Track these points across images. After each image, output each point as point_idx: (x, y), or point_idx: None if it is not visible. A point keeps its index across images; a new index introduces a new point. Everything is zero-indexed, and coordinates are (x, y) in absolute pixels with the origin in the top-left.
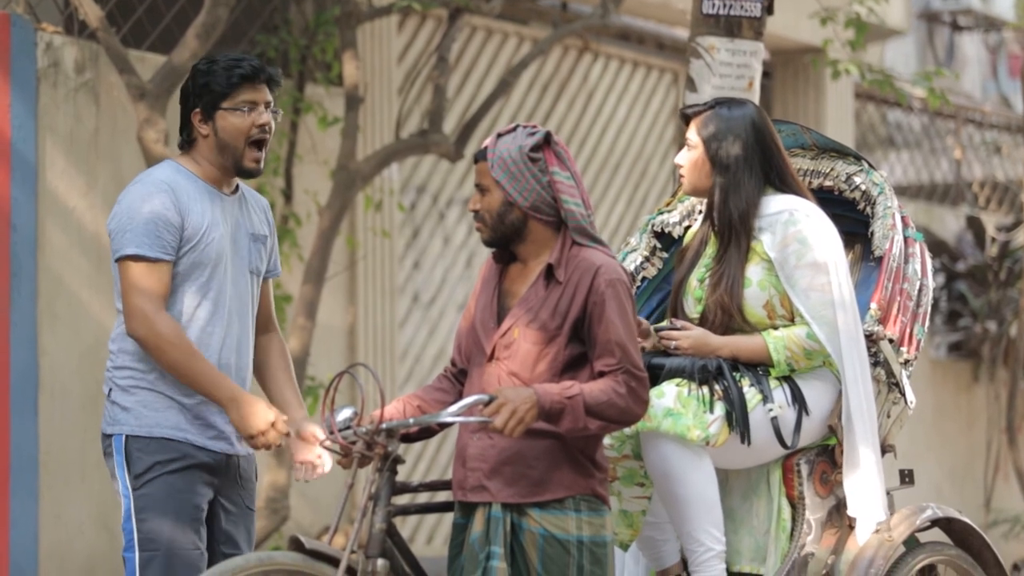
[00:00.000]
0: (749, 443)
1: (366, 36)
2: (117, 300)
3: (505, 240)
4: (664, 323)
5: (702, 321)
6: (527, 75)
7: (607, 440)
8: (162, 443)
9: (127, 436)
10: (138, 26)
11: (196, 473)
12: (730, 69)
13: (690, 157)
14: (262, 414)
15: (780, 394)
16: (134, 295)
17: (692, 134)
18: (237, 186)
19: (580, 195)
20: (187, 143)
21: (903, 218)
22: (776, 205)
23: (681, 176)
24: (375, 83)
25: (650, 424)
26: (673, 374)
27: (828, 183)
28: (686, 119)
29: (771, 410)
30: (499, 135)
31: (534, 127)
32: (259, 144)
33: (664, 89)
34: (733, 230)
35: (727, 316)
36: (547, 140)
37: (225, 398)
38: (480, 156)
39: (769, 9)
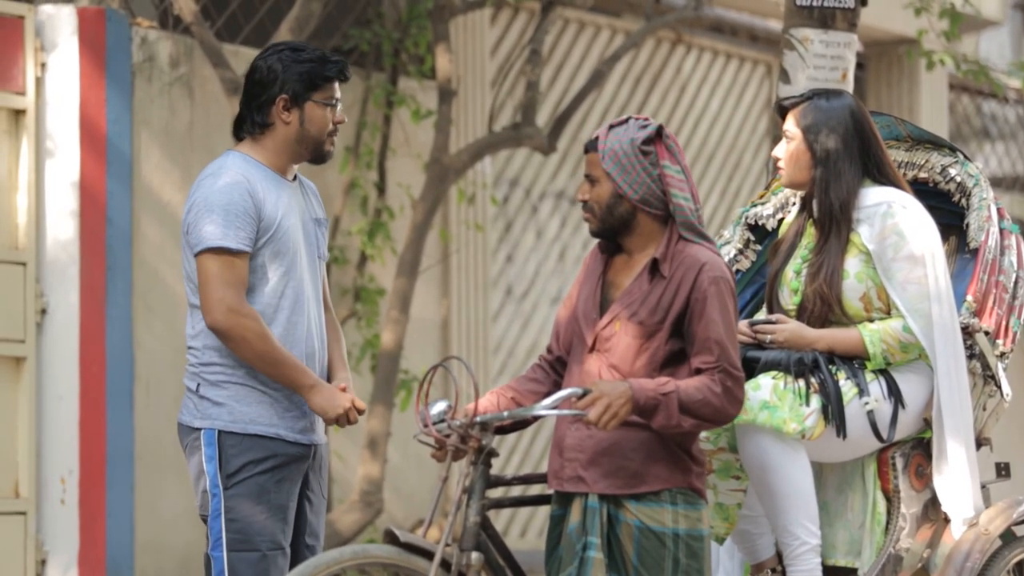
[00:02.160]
0: (845, 436)
1: (459, 29)
2: (192, 295)
3: (612, 232)
4: (759, 316)
5: (799, 312)
6: (620, 68)
7: (703, 433)
8: (255, 440)
9: (220, 431)
10: (232, 20)
11: (285, 471)
12: (824, 61)
13: (789, 149)
14: (340, 398)
15: (876, 387)
16: (215, 287)
17: (790, 125)
18: (296, 174)
19: (689, 190)
20: (259, 128)
21: (999, 210)
22: (874, 197)
23: (779, 168)
24: (468, 76)
25: (746, 417)
26: (769, 367)
27: (923, 175)
28: (783, 111)
29: (867, 403)
30: (611, 127)
31: (646, 120)
32: (335, 133)
33: (757, 81)
34: (833, 220)
35: (826, 307)
36: (659, 133)
37: (307, 386)
38: (591, 147)
39: (863, 0)
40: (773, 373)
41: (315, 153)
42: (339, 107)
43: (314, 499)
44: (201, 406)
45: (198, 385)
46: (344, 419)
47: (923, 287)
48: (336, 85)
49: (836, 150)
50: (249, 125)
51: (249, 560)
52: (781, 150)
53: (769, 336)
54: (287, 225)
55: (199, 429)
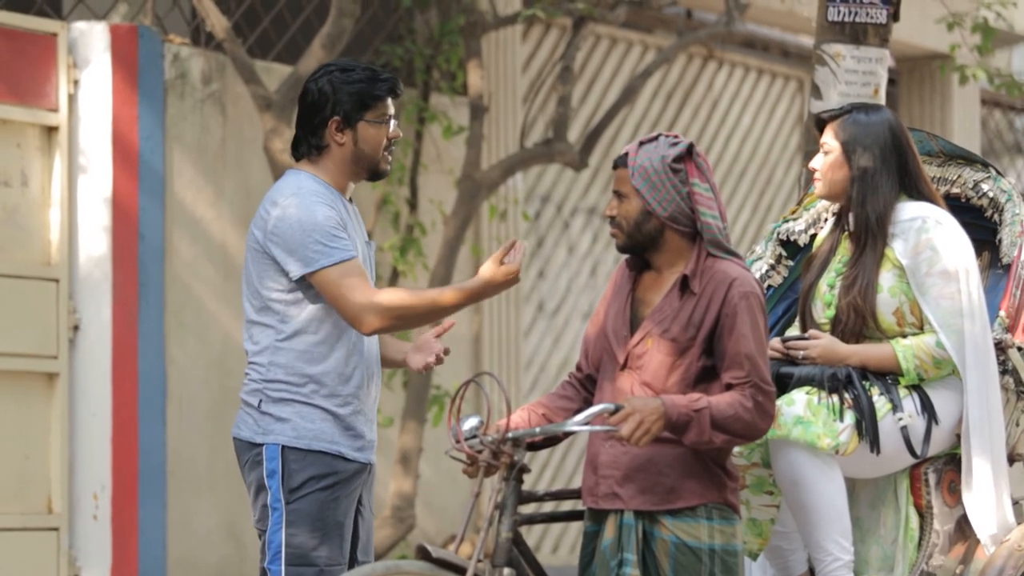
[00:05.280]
0: (879, 452)
1: (491, 45)
2: (255, 313)
3: (640, 248)
4: (791, 332)
5: (833, 326)
6: (651, 83)
7: (736, 448)
8: (317, 457)
9: (284, 447)
10: (264, 37)
11: (344, 488)
12: (856, 76)
13: (827, 161)
14: (483, 276)
15: (909, 403)
16: (349, 298)
17: (829, 138)
18: (350, 196)
19: (718, 207)
20: (316, 150)
21: None
22: (910, 212)
23: (815, 180)
24: (500, 92)
25: (780, 432)
26: (803, 382)
27: (955, 190)
28: (821, 124)
29: (901, 419)
30: (641, 143)
31: (676, 137)
32: (390, 150)
33: (789, 97)
34: (869, 234)
35: (860, 319)
36: (689, 151)
37: (469, 295)
38: (620, 163)
39: (895, 15)
40: (807, 388)
41: (371, 171)
42: (393, 123)
43: (365, 514)
44: (263, 422)
45: (260, 401)
46: (511, 278)
47: (956, 303)
48: (388, 101)
49: (873, 165)
50: (306, 148)
51: (306, 575)
52: (819, 162)
53: (802, 352)
54: (355, 248)
55: (260, 445)
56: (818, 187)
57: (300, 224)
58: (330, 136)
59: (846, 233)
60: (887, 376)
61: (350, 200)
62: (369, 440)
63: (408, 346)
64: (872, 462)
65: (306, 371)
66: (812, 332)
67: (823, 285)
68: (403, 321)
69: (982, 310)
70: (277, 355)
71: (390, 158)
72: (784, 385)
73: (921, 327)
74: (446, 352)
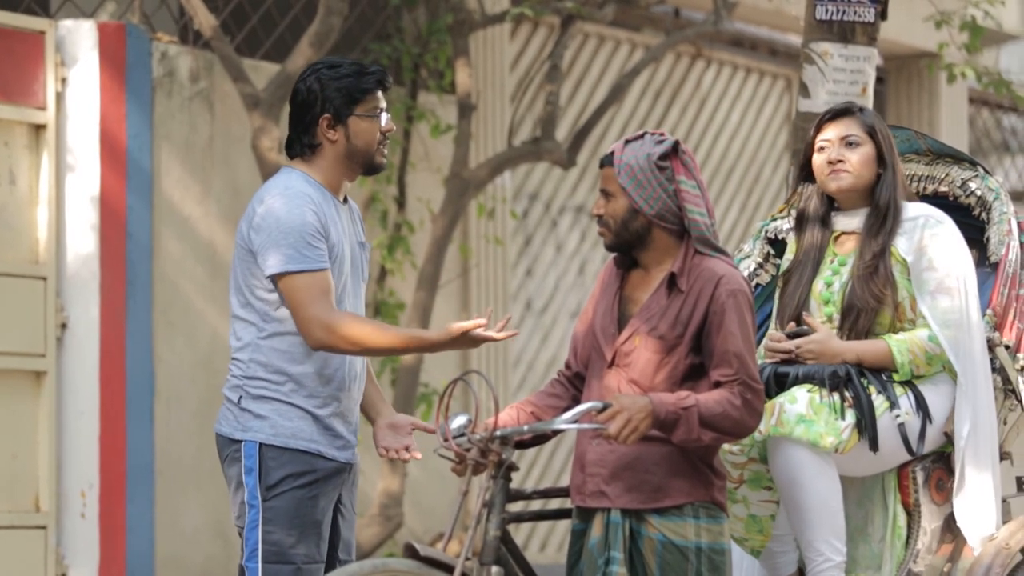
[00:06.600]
0: (877, 450)
1: (479, 44)
2: (239, 308)
3: (628, 246)
4: (789, 326)
5: (842, 320)
6: (639, 82)
7: (735, 447)
8: (295, 455)
9: (261, 444)
10: (252, 35)
11: (322, 487)
12: (844, 75)
13: (860, 152)
14: (446, 334)
15: (905, 401)
16: (306, 307)
17: (855, 130)
18: (345, 195)
19: (705, 205)
20: (309, 149)
21: (1019, 223)
22: (912, 211)
23: (839, 171)
24: (488, 91)
25: (783, 430)
26: (803, 380)
27: (943, 189)
28: (823, 122)
29: (898, 416)
30: (627, 141)
31: (662, 135)
32: (384, 143)
33: (777, 95)
34: (889, 225)
35: (874, 310)
36: (675, 149)
37: (430, 344)
38: (606, 161)
39: (883, 14)
40: (808, 386)
41: (367, 166)
42: (385, 116)
43: (346, 514)
44: (242, 418)
45: (240, 397)
46: (470, 340)
47: (954, 300)
48: (379, 95)
49: (893, 152)
50: (299, 147)
51: (283, 573)
52: (842, 154)
53: (795, 351)
54: (341, 250)
55: (239, 441)
56: (845, 179)
57: (279, 224)
58: (322, 134)
59: (835, 234)
60: (882, 374)
61: (345, 200)
62: (349, 440)
63: (387, 412)
64: (868, 460)
65: (286, 370)
66: (809, 321)
67: (819, 284)
68: (351, 348)
69: (978, 314)
70: (258, 352)
71: (385, 151)
72: (782, 383)
73: (915, 324)
74: (408, 451)
